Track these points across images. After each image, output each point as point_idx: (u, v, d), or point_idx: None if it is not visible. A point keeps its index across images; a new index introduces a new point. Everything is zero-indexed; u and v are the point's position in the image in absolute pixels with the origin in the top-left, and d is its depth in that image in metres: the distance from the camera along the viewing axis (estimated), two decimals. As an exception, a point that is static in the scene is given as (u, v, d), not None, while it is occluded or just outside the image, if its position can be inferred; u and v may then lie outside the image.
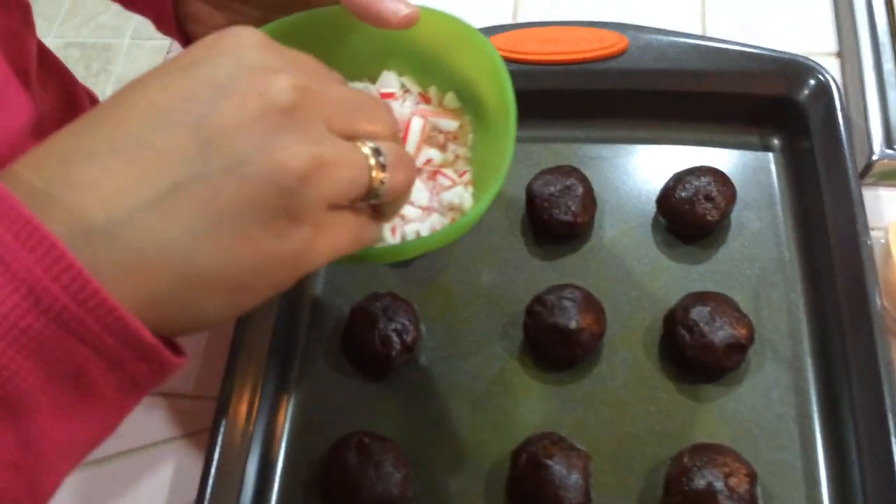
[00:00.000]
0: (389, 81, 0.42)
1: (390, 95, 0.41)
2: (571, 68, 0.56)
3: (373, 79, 0.42)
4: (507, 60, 0.56)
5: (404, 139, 0.40)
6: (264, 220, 0.27)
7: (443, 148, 0.42)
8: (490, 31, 0.57)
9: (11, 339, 0.24)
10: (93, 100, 0.63)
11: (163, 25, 0.47)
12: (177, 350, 0.28)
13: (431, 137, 0.41)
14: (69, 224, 0.24)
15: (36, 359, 0.24)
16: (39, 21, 2.16)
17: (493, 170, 0.37)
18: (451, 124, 0.41)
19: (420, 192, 0.40)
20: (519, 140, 0.59)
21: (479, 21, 0.57)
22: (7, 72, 0.44)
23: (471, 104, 0.42)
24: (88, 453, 0.28)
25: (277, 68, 0.28)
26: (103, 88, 2.10)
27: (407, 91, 0.42)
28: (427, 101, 0.42)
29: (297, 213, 0.27)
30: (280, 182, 0.26)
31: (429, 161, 0.41)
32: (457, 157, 0.42)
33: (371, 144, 0.30)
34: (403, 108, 0.41)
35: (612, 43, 0.56)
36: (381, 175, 0.30)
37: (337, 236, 0.29)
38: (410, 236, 0.39)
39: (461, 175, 0.41)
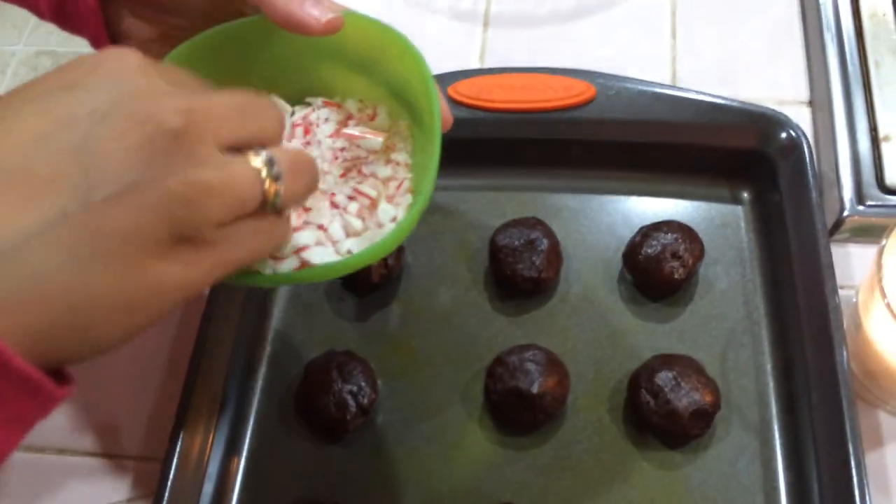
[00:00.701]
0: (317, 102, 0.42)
1: (336, 104, 0.42)
2: (537, 117, 0.55)
3: (307, 88, 0.42)
4: (472, 107, 0.55)
5: None
6: (153, 246, 0.26)
7: (387, 162, 0.41)
8: (454, 76, 0.55)
9: None
10: None
11: (99, 45, 0.46)
12: (63, 377, 0.27)
13: (358, 159, 0.41)
14: None
15: None
16: (9, 29, 2.10)
17: (425, 177, 0.36)
18: (375, 142, 0.40)
19: (352, 219, 0.39)
20: (483, 188, 0.58)
21: (445, 65, 0.56)
22: None
23: (408, 107, 0.41)
24: None
25: (162, 92, 0.28)
26: (74, 99, 2.06)
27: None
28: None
29: (185, 236, 0.27)
30: (166, 209, 0.26)
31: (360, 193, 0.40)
32: (396, 164, 0.41)
33: (264, 156, 0.29)
34: (325, 127, 0.41)
35: (579, 91, 0.54)
36: (275, 187, 0.29)
37: (232, 251, 0.29)
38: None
39: (399, 185, 0.40)
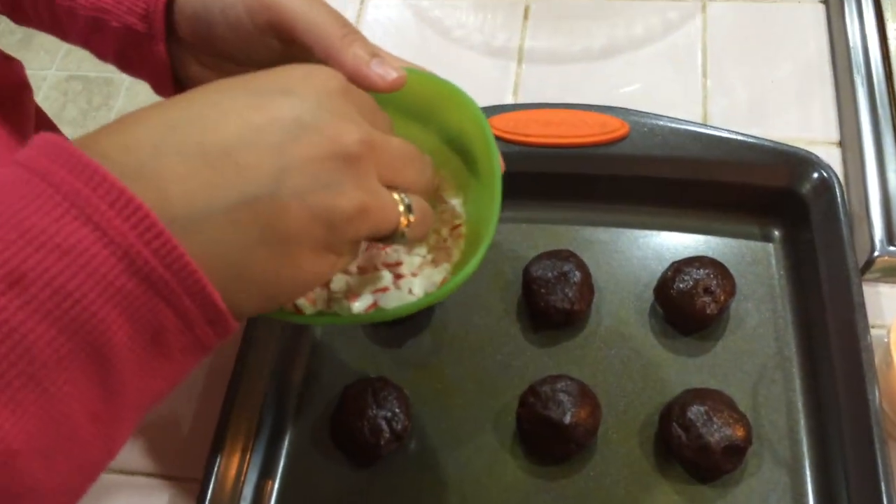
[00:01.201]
0: None
1: None
2: (572, 152, 0.56)
3: None
4: (509, 142, 0.56)
5: None
6: (309, 246, 0.31)
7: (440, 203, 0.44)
8: (492, 110, 0.57)
9: (108, 296, 0.26)
10: None
11: (161, 88, 0.48)
12: None
13: None
14: (156, 208, 0.27)
15: (126, 316, 0.27)
16: (41, 54, 2.15)
17: (484, 224, 0.38)
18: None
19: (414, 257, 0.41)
20: (518, 220, 0.59)
21: (480, 100, 0.57)
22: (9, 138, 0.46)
23: (463, 155, 0.43)
24: (150, 409, 0.31)
25: (352, 118, 0.32)
26: (103, 123, 2.10)
27: None
28: None
29: (334, 244, 0.32)
30: (331, 219, 0.31)
31: None
32: (450, 209, 0.43)
33: (406, 200, 0.34)
34: None
35: (613, 128, 0.56)
36: (406, 228, 0.35)
37: (349, 261, 0.34)
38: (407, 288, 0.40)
39: (454, 229, 0.43)
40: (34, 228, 0.26)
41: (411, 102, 0.41)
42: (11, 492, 0.26)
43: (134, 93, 2.16)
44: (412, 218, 0.34)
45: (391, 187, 0.34)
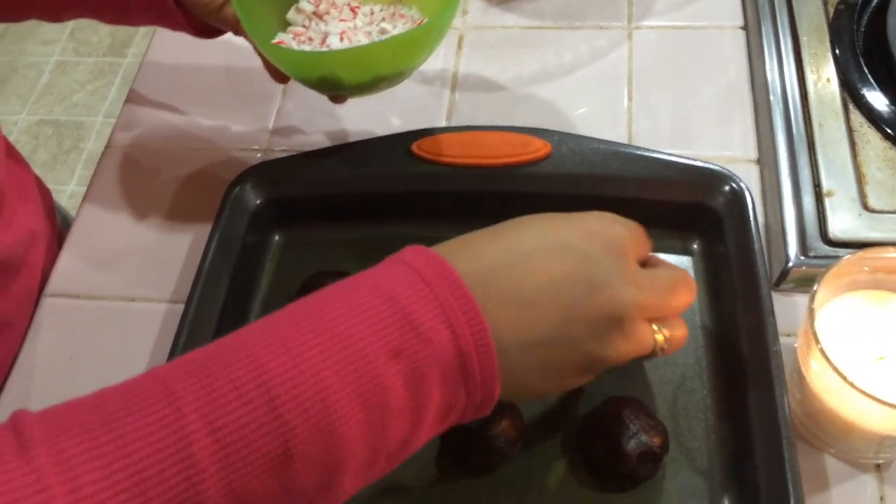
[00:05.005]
0: None
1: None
2: (495, 171, 0.57)
3: None
4: (433, 163, 0.57)
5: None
6: (576, 374, 0.41)
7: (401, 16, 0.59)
8: (418, 133, 0.59)
9: (442, 377, 0.36)
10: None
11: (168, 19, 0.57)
12: None
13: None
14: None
15: (443, 391, 0.36)
16: (13, 99, 2.16)
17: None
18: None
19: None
20: (442, 240, 0.60)
21: (414, 125, 0.60)
22: None
23: None
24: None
25: (631, 280, 0.40)
26: (73, 166, 2.12)
27: None
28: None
29: (595, 370, 0.41)
30: (596, 362, 0.41)
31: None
32: (411, 17, 0.58)
33: (665, 332, 0.43)
34: None
35: (536, 148, 0.57)
36: (663, 350, 0.43)
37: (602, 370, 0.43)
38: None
39: (419, 23, 0.57)
40: (416, 321, 0.35)
41: None
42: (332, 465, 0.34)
43: (104, 136, 2.17)
44: (666, 345, 0.43)
45: (654, 320, 0.42)
